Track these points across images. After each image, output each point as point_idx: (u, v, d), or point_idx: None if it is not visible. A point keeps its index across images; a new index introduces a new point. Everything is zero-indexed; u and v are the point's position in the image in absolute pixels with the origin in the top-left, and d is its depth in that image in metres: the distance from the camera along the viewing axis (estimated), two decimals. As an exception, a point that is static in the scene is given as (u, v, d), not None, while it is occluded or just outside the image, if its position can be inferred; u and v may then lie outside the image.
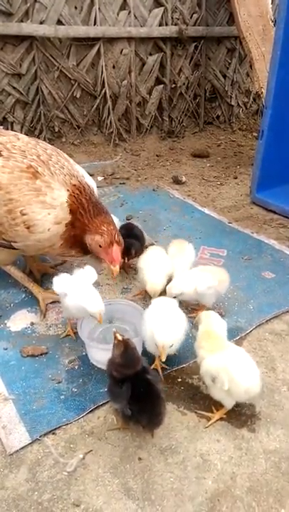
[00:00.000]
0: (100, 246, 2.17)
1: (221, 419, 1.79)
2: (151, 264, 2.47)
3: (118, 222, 2.96)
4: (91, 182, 2.46)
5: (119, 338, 1.66)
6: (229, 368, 1.71)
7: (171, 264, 2.52)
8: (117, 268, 2.20)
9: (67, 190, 2.21)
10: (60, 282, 2.13)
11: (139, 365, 1.65)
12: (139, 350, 1.89)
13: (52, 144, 4.58)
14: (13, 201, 2.11)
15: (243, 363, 1.77)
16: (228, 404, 1.77)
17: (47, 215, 2.14)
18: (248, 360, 1.79)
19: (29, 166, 2.17)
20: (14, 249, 2.26)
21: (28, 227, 2.13)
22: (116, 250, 2.18)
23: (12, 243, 2.22)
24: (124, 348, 1.65)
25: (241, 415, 1.81)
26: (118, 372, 1.64)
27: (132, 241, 2.61)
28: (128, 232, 2.68)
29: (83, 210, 2.20)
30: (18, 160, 2.18)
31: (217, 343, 1.84)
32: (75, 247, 2.31)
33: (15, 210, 2.11)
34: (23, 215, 2.12)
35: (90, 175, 4.23)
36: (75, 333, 2.19)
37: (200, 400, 1.87)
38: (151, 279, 2.39)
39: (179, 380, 1.99)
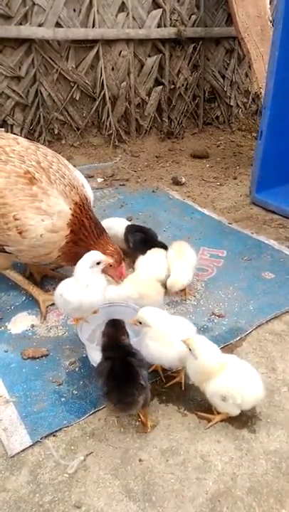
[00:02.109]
0: (111, 266, 2.25)
1: (222, 420, 1.80)
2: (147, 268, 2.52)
3: (124, 223, 2.99)
4: (89, 191, 2.50)
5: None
6: (237, 384, 1.72)
7: (166, 268, 2.56)
8: (122, 281, 2.34)
9: (70, 208, 2.25)
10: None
11: (122, 335, 1.77)
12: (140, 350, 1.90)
13: (51, 146, 4.66)
14: (7, 206, 2.12)
15: (246, 373, 1.78)
16: (235, 413, 1.77)
17: (40, 222, 2.15)
18: (248, 368, 1.81)
19: (26, 172, 2.18)
20: (7, 253, 2.27)
21: (20, 232, 2.14)
22: (123, 267, 2.36)
23: (5, 247, 2.23)
24: (111, 322, 1.80)
25: (241, 416, 1.81)
26: (103, 344, 1.77)
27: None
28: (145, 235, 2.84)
29: (86, 231, 2.29)
30: (15, 165, 2.19)
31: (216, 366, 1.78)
32: (74, 261, 2.29)
33: (8, 214, 2.12)
34: (16, 219, 2.13)
35: (90, 177, 4.31)
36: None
37: (200, 401, 1.87)
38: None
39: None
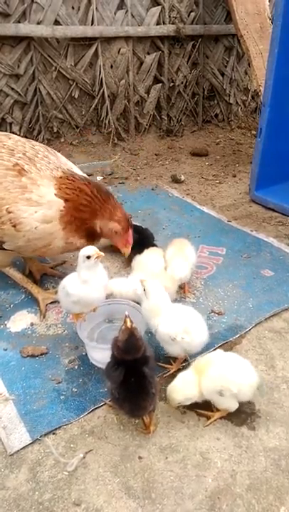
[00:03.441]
0: (116, 232, 2.20)
1: (221, 417, 1.80)
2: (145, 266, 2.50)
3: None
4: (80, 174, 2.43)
5: (128, 324, 1.65)
6: (228, 375, 1.73)
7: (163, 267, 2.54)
8: (129, 249, 2.30)
9: (55, 184, 2.19)
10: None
11: (139, 354, 1.65)
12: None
13: (50, 145, 4.66)
14: None
15: (236, 363, 1.80)
16: (235, 407, 1.78)
17: (33, 213, 2.14)
18: (238, 359, 1.83)
19: (15, 164, 2.18)
20: (5, 249, 2.26)
21: (14, 226, 2.14)
22: (130, 234, 2.30)
23: (2, 244, 2.23)
24: (129, 335, 1.64)
25: (241, 413, 1.81)
26: (118, 355, 1.67)
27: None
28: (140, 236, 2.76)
29: (88, 196, 2.20)
30: (4, 158, 2.20)
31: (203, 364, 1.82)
32: (79, 233, 2.25)
33: (1, 208, 2.12)
34: (9, 212, 2.13)
35: (89, 175, 4.30)
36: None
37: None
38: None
39: (179, 378, 1.99)
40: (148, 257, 2.56)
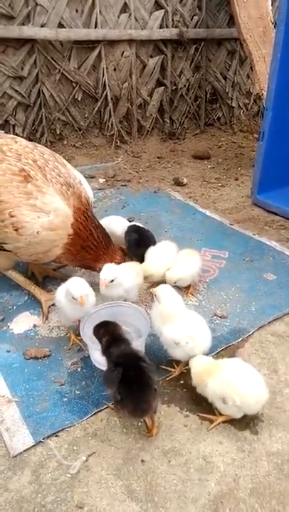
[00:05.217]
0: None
1: (224, 421, 1.80)
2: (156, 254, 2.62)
3: (125, 223, 2.98)
4: (88, 189, 2.52)
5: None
6: (235, 383, 1.72)
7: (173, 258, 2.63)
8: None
9: (71, 211, 2.28)
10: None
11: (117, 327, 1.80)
12: (142, 351, 1.93)
13: (53, 147, 4.67)
14: (2, 203, 2.15)
15: (246, 373, 1.79)
16: (238, 416, 1.78)
17: (36, 218, 2.17)
18: (249, 369, 1.81)
19: (21, 170, 2.21)
20: (6, 251, 2.28)
21: (16, 229, 2.16)
22: None
23: (3, 245, 2.25)
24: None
25: (244, 417, 1.80)
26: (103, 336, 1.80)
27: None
28: (140, 237, 2.82)
29: (95, 241, 2.36)
30: (11, 163, 2.22)
31: (212, 368, 1.82)
32: (80, 265, 2.49)
33: (4, 211, 2.15)
34: (12, 216, 2.15)
35: (92, 177, 4.31)
36: (80, 340, 2.19)
37: (202, 402, 1.86)
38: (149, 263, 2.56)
39: (182, 382, 1.99)
40: (161, 249, 2.66)
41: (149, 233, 2.90)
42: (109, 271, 2.23)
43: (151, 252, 2.65)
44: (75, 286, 2.06)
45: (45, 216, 2.19)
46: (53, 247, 2.28)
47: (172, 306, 1.99)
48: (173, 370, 2.02)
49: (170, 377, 2.00)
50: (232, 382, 1.73)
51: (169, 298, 2.00)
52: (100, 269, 2.35)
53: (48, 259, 2.37)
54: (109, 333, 1.84)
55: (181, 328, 1.91)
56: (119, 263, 2.42)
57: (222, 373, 1.76)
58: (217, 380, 1.75)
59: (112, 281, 2.19)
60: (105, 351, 1.79)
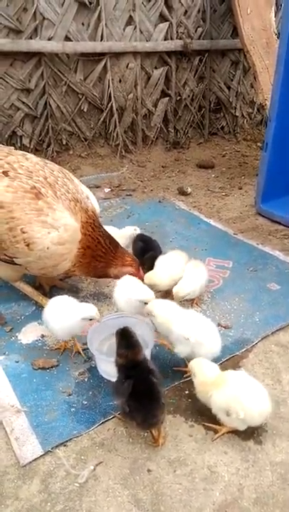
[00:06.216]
0: (130, 274, 2.44)
1: (228, 431, 1.83)
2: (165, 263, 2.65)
3: (134, 232, 3.03)
4: (94, 202, 2.60)
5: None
6: (240, 396, 1.75)
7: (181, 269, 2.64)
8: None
9: (79, 225, 2.35)
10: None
11: (139, 352, 1.78)
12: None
13: (60, 157, 4.75)
14: (14, 219, 2.22)
15: (250, 387, 1.81)
16: (242, 428, 1.81)
17: (47, 234, 2.24)
18: (253, 382, 1.84)
19: (33, 187, 2.28)
20: (16, 264, 2.35)
21: (27, 245, 2.23)
22: (141, 271, 2.55)
23: (14, 259, 2.32)
24: (122, 333, 1.82)
25: (248, 428, 1.83)
26: (119, 357, 1.78)
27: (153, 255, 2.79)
28: (147, 246, 2.87)
29: (104, 248, 2.43)
30: (23, 181, 2.29)
31: (217, 380, 1.84)
32: (93, 274, 2.56)
33: (16, 228, 2.22)
34: (24, 232, 2.22)
35: (97, 187, 4.37)
36: (84, 349, 2.24)
37: (207, 412, 1.89)
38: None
39: (187, 392, 2.02)
40: (171, 259, 2.68)
41: (156, 243, 2.95)
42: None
43: (160, 261, 2.67)
44: (89, 308, 2.18)
45: (55, 231, 2.25)
46: (62, 261, 2.34)
47: (169, 317, 2.07)
48: (186, 369, 2.03)
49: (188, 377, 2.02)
50: (237, 396, 1.75)
51: (163, 312, 2.11)
52: (115, 276, 2.45)
53: (57, 272, 2.42)
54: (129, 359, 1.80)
55: (193, 326, 1.99)
56: (131, 265, 2.49)
57: (227, 386, 1.78)
58: (222, 393, 1.77)
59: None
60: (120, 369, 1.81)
